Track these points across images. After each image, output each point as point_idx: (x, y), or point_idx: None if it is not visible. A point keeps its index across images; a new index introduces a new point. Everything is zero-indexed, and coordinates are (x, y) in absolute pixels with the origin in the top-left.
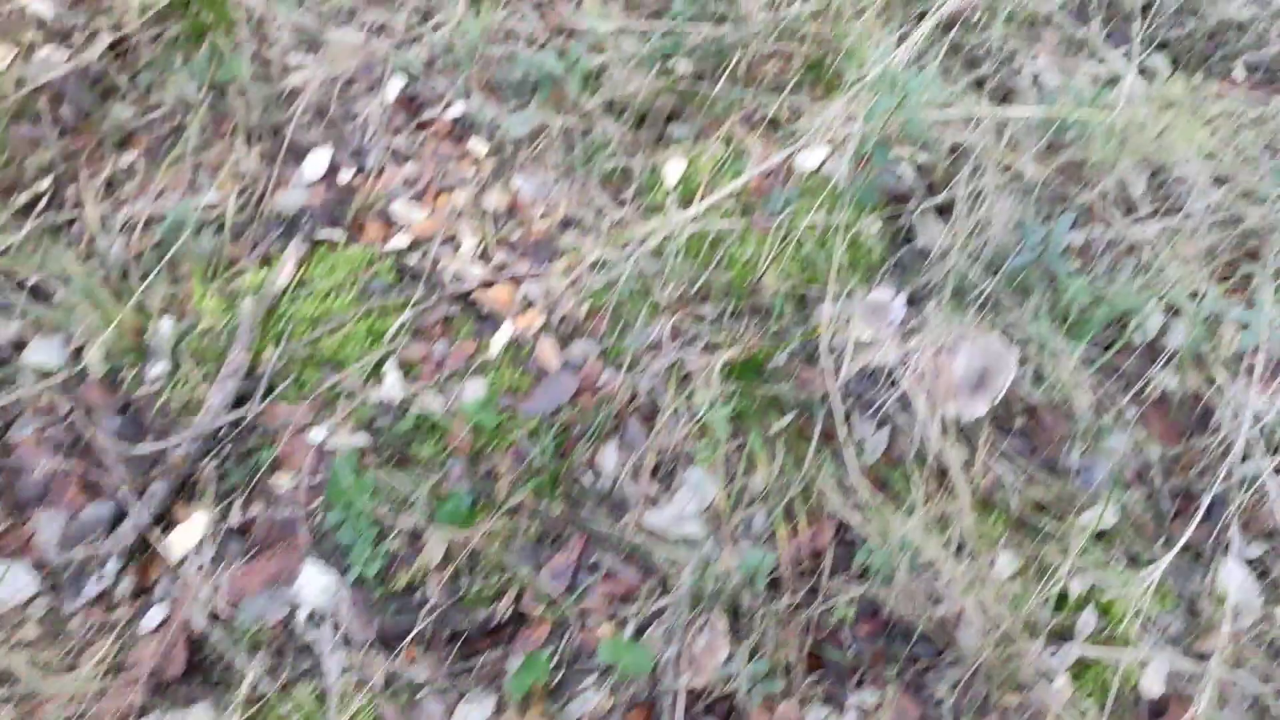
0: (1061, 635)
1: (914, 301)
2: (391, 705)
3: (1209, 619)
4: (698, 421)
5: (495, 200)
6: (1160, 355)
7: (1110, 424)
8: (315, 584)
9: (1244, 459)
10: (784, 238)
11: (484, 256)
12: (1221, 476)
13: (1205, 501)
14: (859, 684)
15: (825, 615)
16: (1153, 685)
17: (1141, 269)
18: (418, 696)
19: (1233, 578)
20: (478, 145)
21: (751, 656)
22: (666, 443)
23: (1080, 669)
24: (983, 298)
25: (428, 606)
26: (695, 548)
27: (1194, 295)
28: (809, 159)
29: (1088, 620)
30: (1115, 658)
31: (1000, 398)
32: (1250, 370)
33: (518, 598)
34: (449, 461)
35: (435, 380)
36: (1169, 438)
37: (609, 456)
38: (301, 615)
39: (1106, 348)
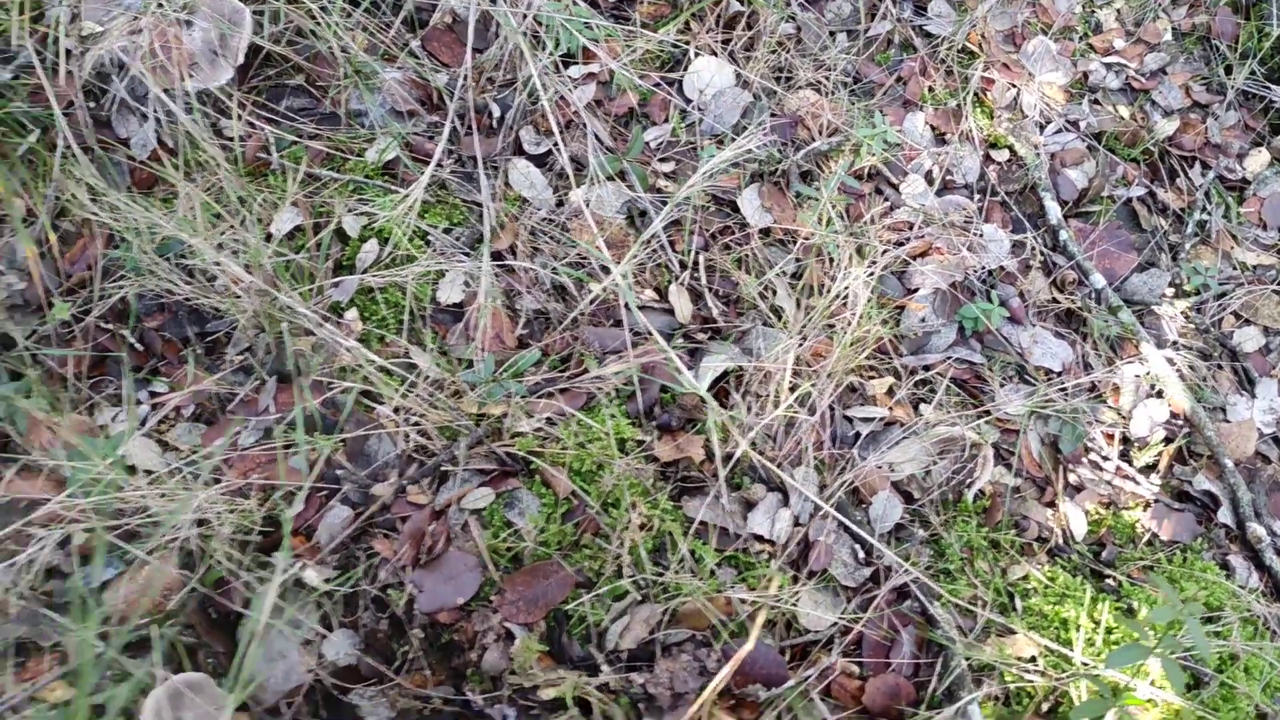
0: (345, 270)
1: None
2: None
3: (500, 219)
4: None
5: None
6: None
7: (382, 61)
8: None
9: (524, 63)
10: None
11: None
12: (507, 84)
13: (496, 110)
14: (152, 374)
15: (104, 319)
16: (449, 294)
17: None
18: None
19: (522, 176)
20: None
21: (16, 379)
22: None
23: (372, 296)
24: None
25: None
26: None
27: None
28: None
29: (370, 250)
30: (399, 278)
31: (241, 59)
32: None
33: None
34: None
35: None
36: (455, 59)
37: None
38: None
39: None
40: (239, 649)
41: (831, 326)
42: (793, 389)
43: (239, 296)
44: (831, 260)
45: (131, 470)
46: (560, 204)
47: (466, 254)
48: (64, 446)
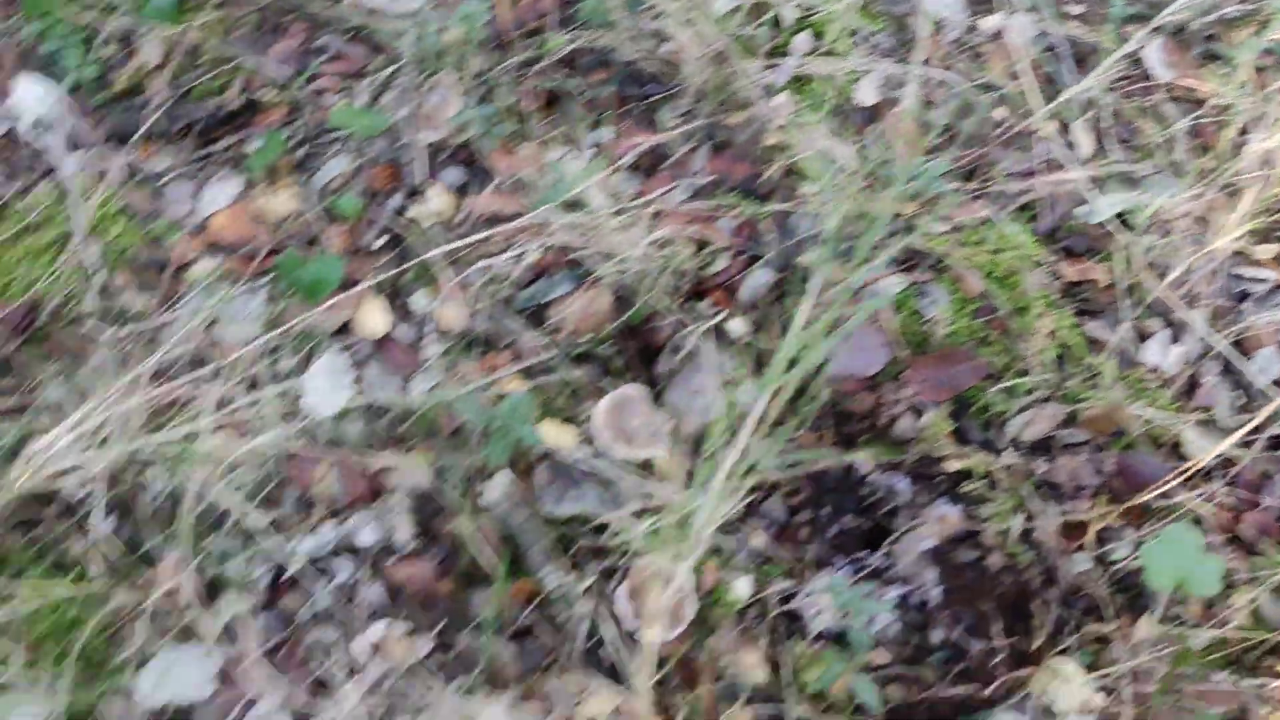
0: (779, 55)
1: None
2: (138, 193)
3: (917, 34)
4: None
5: None
6: None
7: None
8: (31, 94)
9: None
10: None
11: None
12: None
13: None
14: (595, 124)
15: (554, 67)
16: (866, 94)
17: None
18: (162, 184)
19: None
20: None
21: (482, 105)
22: None
23: (799, 85)
24: None
25: (155, 104)
26: (417, 18)
27: None
28: None
29: (803, 41)
30: (830, 70)
31: None
32: None
33: (246, 86)
34: None
35: None
36: None
37: None
38: (24, 126)
39: None
40: (661, 381)
41: (1230, 186)
42: (1190, 236)
43: (686, 64)
44: (1235, 124)
45: (580, 206)
46: (972, 29)
47: (885, 58)
48: (536, 169)
